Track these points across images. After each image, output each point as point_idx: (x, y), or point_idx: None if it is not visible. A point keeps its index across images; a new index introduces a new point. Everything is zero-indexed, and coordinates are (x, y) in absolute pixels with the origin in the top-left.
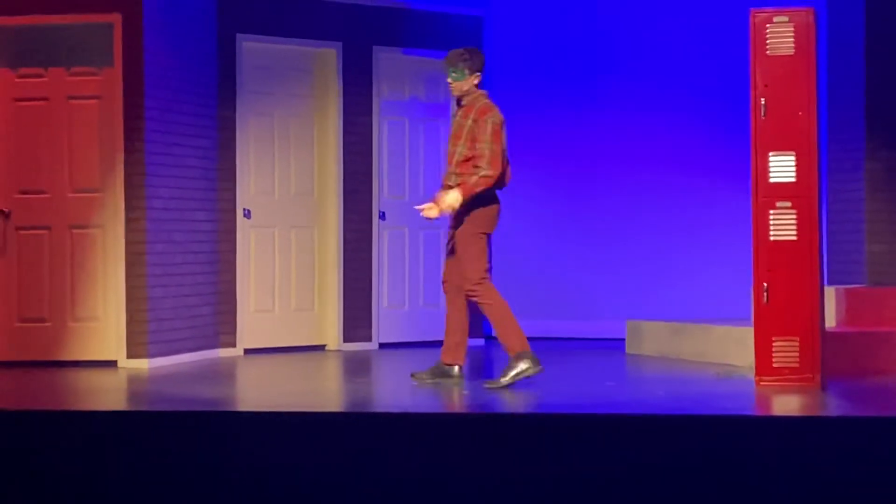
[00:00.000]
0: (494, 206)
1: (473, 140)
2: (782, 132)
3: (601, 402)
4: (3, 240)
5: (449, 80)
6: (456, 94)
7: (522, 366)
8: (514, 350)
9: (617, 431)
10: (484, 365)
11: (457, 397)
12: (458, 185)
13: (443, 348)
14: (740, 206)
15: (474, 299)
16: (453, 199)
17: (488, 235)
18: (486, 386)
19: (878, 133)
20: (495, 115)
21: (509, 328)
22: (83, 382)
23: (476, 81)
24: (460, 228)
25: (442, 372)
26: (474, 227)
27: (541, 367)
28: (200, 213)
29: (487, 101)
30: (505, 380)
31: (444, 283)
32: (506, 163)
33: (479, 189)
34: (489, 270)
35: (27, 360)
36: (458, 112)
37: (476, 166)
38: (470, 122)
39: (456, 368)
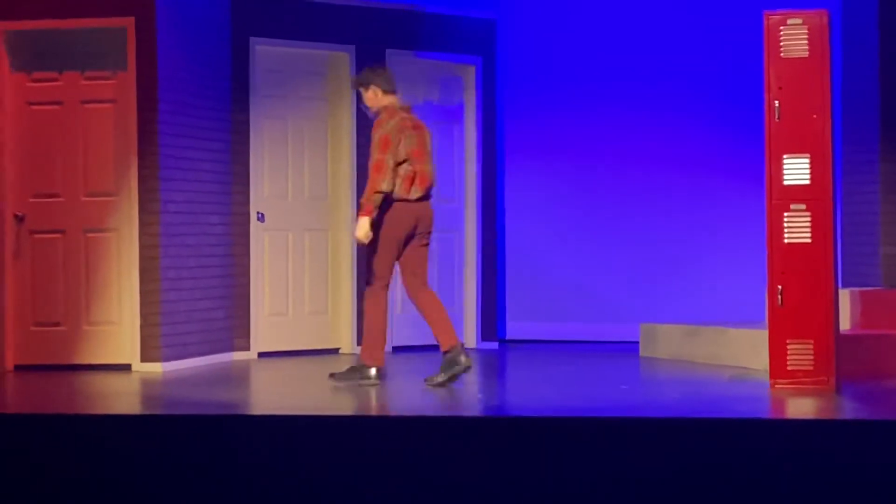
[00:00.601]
0: (402, 209)
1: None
2: (796, 134)
3: (615, 406)
4: (17, 244)
5: (363, 106)
6: (371, 114)
7: (368, 374)
8: (364, 360)
9: (631, 435)
10: (498, 367)
11: (470, 401)
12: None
13: (437, 340)
14: (754, 208)
15: (365, 296)
16: (361, 231)
17: (398, 238)
18: (330, 379)
19: (893, 135)
20: (383, 127)
21: (374, 340)
22: (97, 386)
23: (374, 94)
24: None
25: (449, 363)
26: (381, 231)
27: (378, 383)
28: (214, 217)
29: (385, 114)
30: (342, 381)
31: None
32: (412, 168)
33: (369, 203)
34: (389, 275)
35: (42, 364)
36: None
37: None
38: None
39: (457, 349)
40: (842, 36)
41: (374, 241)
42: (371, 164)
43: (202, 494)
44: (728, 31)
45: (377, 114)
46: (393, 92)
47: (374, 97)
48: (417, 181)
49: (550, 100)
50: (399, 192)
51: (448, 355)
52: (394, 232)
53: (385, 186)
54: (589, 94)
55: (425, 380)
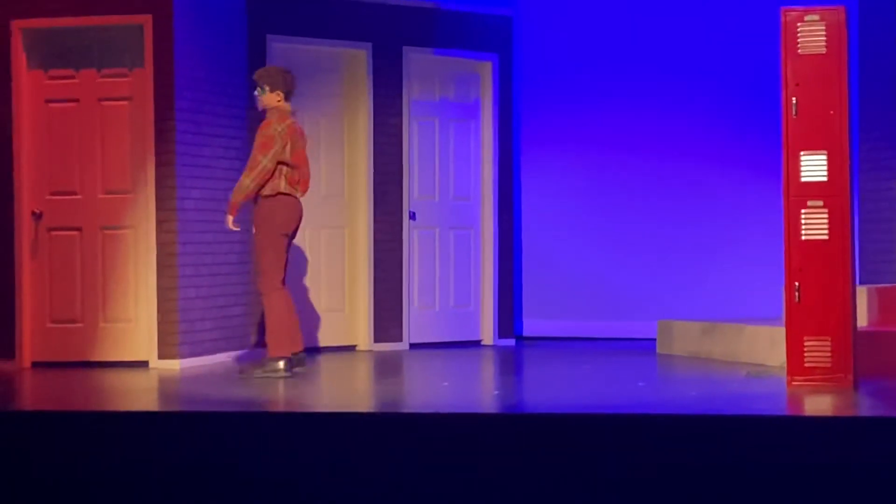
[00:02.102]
0: (291, 206)
1: None
2: (814, 131)
3: (632, 403)
4: (35, 241)
5: (255, 94)
6: (259, 107)
7: (277, 367)
8: (274, 353)
9: (648, 432)
10: (515, 364)
11: (487, 397)
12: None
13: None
14: (772, 205)
15: (262, 298)
16: (228, 220)
17: (286, 236)
18: (240, 374)
19: None
20: (271, 128)
21: (280, 334)
22: (115, 383)
23: (278, 99)
24: (256, 233)
25: (272, 367)
26: (269, 231)
27: (290, 374)
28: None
29: (276, 116)
30: (258, 373)
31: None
32: (293, 171)
33: (236, 199)
34: (284, 270)
35: (59, 361)
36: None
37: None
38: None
39: (286, 360)
40: (859, 32)
41: (265, 240)
42: (249, 162)
43: (218, 491)
44: (745, 27)
45: (264, 111)
46: (289, 99)
47: (274, 98)
48: (301, 184)
49: (567, 96)
50: (287, 188)
51: (271, 361)
52: (285, 228)
53: (252, 186)
54: (605, 90)
55: (241, 370)
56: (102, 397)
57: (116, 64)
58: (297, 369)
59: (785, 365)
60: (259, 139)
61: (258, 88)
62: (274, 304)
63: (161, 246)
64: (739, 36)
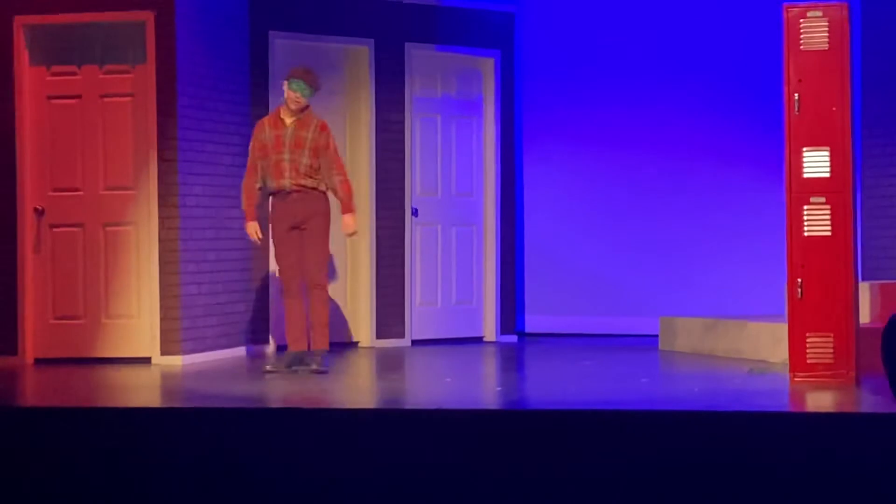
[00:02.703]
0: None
1: (316, 151)
2: (816, 127)
3: (635, 399)
4: (37, 237)
5: (298, 93)
6: (295, 107)
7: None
8: (326, 346)
9: (651, 428)
10: (517, 360)
11: (489, 394)
12: (345, 208)
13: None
14: (774, 201)
15: (321, 290)
16: (354, 222)
17: None
18: (313, 368)
19: None
20: (329, 129)
21: (328, 328)
22: (117, 379)
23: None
24: (317, 226)
25: (301, 360)
26: (327, 226)
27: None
28: (234, 211)
29: (319, 118)
30: (317, 363)
31: (293, 278)
32: None
33: (352, 197)
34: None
35: (62, 357)
36: (291, 124)
37: (336, 175)
38: (311, 134)
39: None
40: (861, 28)
41: (327, 234)
42: (338, 166)
43: (220, 487)
44: (747, 23)
45: (298, 110)
46: None
47: (308, 99)
48: None
49: (569, 92)
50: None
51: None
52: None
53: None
54: (608, 86)
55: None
56: (104, 394)
57: (119, 60)
58: (296, 368)
59: (787, 361)
60: (333, 144)
61: (308, 89)
62: (328, 298)
63: (163, 242)
64: (741, 32)
